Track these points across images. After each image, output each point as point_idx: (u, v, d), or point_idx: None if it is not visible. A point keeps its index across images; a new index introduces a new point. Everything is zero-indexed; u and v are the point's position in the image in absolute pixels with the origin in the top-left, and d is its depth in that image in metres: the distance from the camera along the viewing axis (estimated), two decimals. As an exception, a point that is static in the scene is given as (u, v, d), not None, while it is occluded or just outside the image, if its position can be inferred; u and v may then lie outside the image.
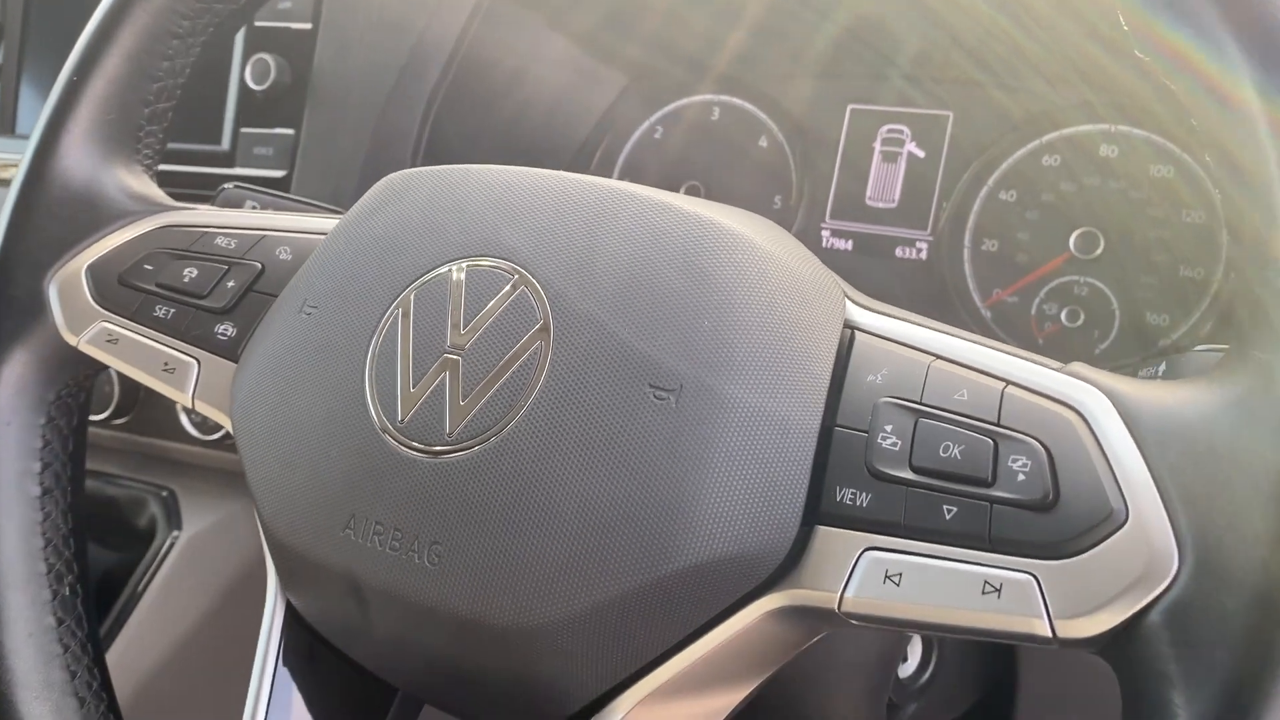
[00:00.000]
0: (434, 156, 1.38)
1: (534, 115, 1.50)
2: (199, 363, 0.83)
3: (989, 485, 0.56)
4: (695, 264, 0.66)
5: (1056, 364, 0.61)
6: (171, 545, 1.56)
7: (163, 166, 1.46)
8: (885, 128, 1.45)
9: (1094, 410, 0.56)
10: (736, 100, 1.55)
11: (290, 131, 1.39)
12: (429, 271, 0.71)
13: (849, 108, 1.48)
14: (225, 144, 1.40)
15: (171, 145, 1.47)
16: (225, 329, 0.83)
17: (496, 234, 0.71)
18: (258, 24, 1.41)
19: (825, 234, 1.48)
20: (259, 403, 0.75)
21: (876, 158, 1.46)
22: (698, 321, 0.64)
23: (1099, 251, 1.29)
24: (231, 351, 0.82)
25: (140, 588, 1.56)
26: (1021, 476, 0.55)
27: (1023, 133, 1.35)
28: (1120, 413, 0.56)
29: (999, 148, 1.36)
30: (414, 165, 1.34)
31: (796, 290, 0.67)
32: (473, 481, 0.64)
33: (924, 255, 1.42)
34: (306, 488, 0.70)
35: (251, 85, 1.37)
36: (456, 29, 1.36)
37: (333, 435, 0.70)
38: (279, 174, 1.39)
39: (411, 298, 0.71)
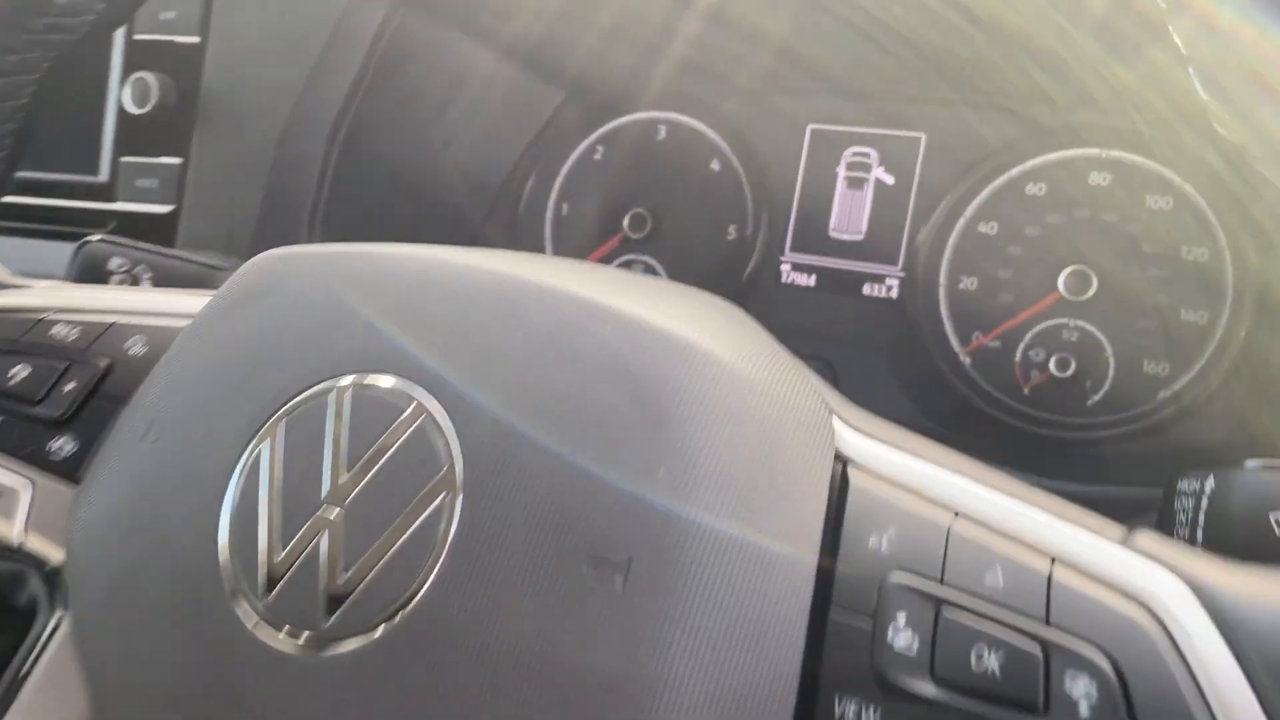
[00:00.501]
0: (343, 190, 1.22)
1: (459, 137, 1.34)
2: (32, 485, 0.67)
3: (1039, 714, 0.42)
4: (644, 391, 0.51)
5: (1116, 530, 0.47)
6: (56, 628, 1.36)
7: (34, 200, 1.28)
8: (850, 151, 1.31)
9: (1174, 609, 0.42)
10: (684, 118, 1.40)
11: (177, 160, 1.22)
12: (304, 392, 0.56)
13: (809, 128, 1.34)
14: (103, 175, 1.22)
15: (44, 176, 1.29)
16: (63, 444, 0.66)
17: (392, 344, 0.55)
18: (137, 38, 1.23)
19: (785, 268, 1.34)
20: (94, 556, 0.59)
21: (841, 184, 1.32)
22: (649, 469, 0.49)
23: (1091, 292, 1.16)
24: (72, 472, 0.66)
25: (20, 675, 1.36)
26: (1085, 709, 0.41)
27: (1004, 158, 1.22)
28: (1210, 613, 0.42)
29: (977, 174, 1.23)
30: (320, 200, 1.18)
31: (772, 416, 0.52)
32: (355, 686, 0.49)
33: (895, 293, 1.28)
34: (149, 679, 0.54)
35: (131, 108, 1.19)
36: (368, 39, 1.19)
37: (180, 612, 0.54)
38: (165, 209, 1.21)
39: (281, 428, 0.55)
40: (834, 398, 0.57)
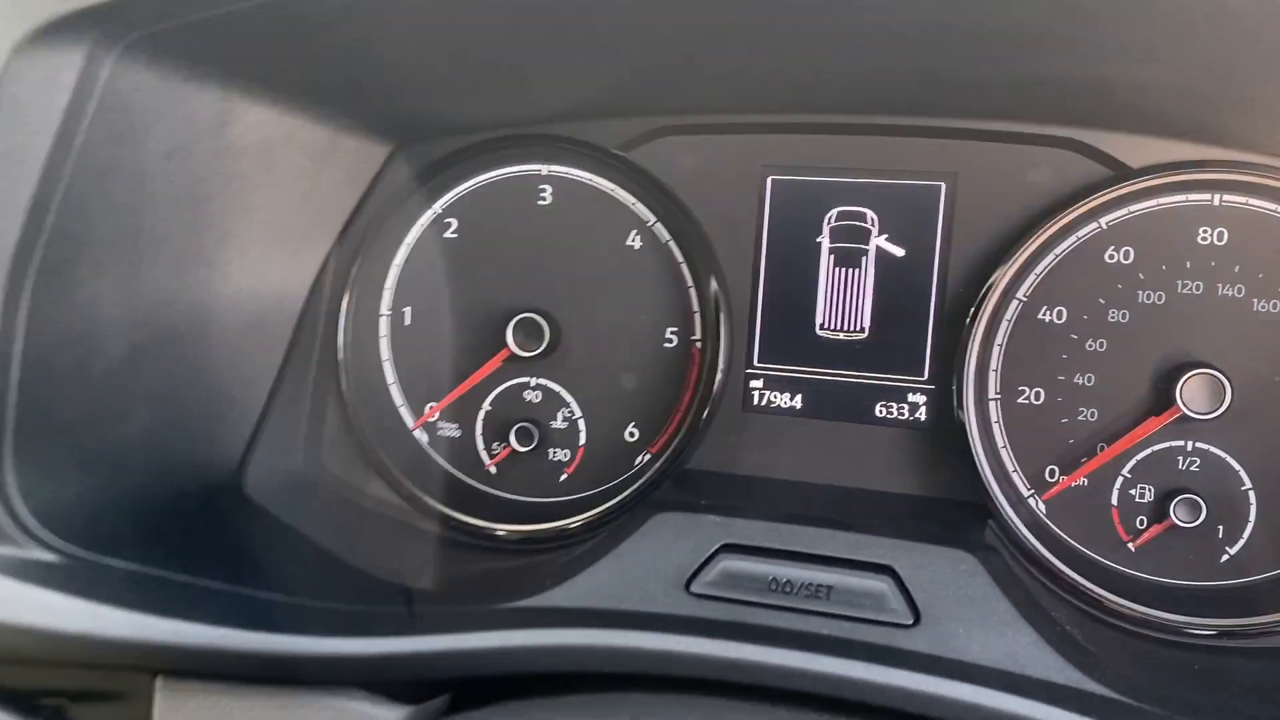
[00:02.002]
0: (43, 370, 0.71)
1: (234, 240, 0.84)
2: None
3: None
4: None
5: None
6: None
7: None
8: (835, 211, 0.90)
9: None
10: (577, 173, 0.95)
11: None
12: None
13: (769, 179, 0.91)
14: None
15: None
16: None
17: None
18: None
19: (755, 386, 0.92)
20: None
21: (825, 260, 0.91)
22: None
23: (1225, 406, 0.80)
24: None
25: None
26: None
27: (1069, 213, 0.84)
28: None
29: (1032, 239, 0.85)
30: (5, 398, 0.67)
31: None
32: None
33: (923, 415, 0.89)
34: None
35: None
36: (58, 112, 0.68)
37: None
38: None
39: None
40: None
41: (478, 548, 0.94)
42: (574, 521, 0.92)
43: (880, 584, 0.74)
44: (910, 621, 0.72)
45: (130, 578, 0.73)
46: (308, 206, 0.90)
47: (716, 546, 0.77)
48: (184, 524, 0.82)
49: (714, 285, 0.90)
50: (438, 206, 0.98)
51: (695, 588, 0.76)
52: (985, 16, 0.67)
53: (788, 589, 0.75)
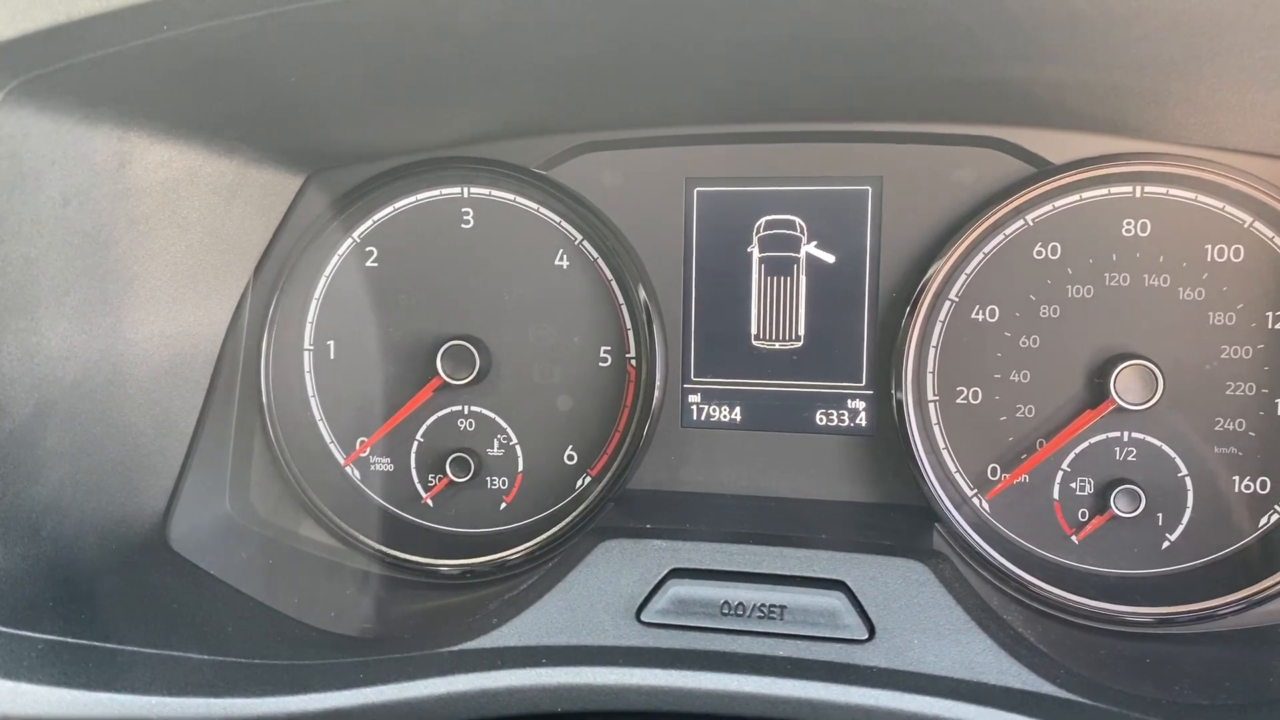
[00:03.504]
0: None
1: (135, 286, 0.80)
2: None
3: None
4: None
5: None
6: None
7: None
8: (763, 221, 0.89)
9: None
10: (497, 194, 0.93)
11: None
12: None
13: (695, 192, 0.90)
14: None
15: None
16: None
17: None
18: None
19: (693, 402, 0.91)
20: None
21: (756, 270, 0.90)
22: None
23: (1157, 396, 0.80)
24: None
25: None
26: None
27: (996, 211, 0.84)
28: None
29: (962, 238, 0.84)
30: None
31: None
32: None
33: (864, 421, 0.89)
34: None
35: None
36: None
37: None
38: None
39: None
40: None
41: (419, 585, 0.92)
42: (517, 552, 0.89)
43: (833, 600, 0.73)
44: (865, 636, 0.71)
45: (52, 650, 0.69)
46: (218, 244, 0.87)
47: (665, 572, 0.75)
48: (107, 585, 0.78)
49: (645, 301, 0.89)
50: (356, 235, 0.95)
51: (646, 616, 0.74)
52: (903, 24, 0.66)
53: (740, 611, 0.73)
